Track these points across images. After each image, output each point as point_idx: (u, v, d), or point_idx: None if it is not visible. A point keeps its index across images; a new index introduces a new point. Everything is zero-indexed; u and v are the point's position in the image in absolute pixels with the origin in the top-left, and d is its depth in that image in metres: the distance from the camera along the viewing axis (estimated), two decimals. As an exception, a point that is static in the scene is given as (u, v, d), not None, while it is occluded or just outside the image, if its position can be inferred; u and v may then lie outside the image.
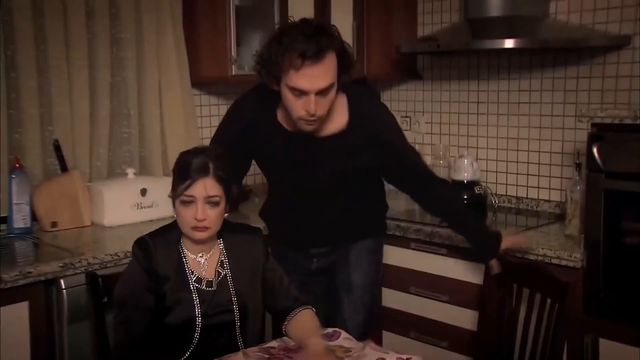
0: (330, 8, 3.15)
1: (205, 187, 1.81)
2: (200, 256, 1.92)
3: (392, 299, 2.79)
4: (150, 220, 2.91)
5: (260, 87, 2.13)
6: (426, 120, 3.34)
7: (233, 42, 3.11)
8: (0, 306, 2.19)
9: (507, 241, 2.26)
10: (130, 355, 1.85)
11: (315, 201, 2.24)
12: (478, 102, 3.14)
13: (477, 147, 3.15)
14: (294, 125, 2.07)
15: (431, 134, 3.32)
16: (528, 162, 3.00)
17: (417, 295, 2.72)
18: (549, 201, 2.95)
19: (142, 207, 2.92)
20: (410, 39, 3.19)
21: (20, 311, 2.24)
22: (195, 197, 1.81)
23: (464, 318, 2.58)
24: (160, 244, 1.90)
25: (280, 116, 2.15)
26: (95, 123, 2.98)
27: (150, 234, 1.95)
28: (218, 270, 1.93)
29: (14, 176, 2.68)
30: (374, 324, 2.49)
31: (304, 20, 1.96)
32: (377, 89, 3.47)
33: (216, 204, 1.84)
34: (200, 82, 3.18)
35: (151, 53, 3.09)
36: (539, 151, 2.96)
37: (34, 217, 2.76)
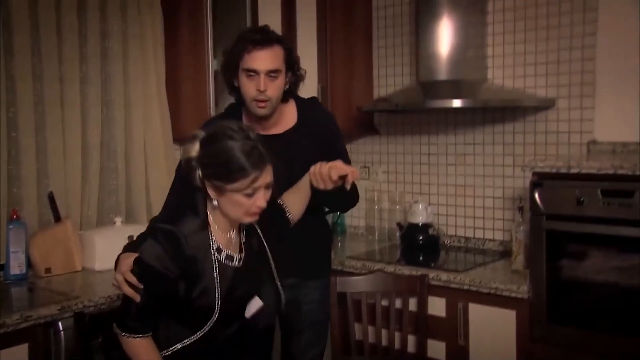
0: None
1: (269, 174, 1.67)
2: (231, 231, 1.76)
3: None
4: (137, 265, 2.86)
5: (217, 116, 2.23)
6: (383, 170, 3.38)
7: (212, 103, 3.14)
8: (2, 349, 2.10)
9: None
10: (149, 318, 1.69)
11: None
12: (429, 154, 3.20)
13: (429, 194, 3.20)
14: (254, 121, 2.11)
15: (388, 182, 3.37)
16: (474, 206, 3.06)
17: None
18: (493, 240, 3.00)
19: (129, 253, 2.87)
20: (368, 99, 3.26)
21: (20, 353, 2.15)
22: (261, 186, 1.65)
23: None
24: (189, 235, 1.67)
25: (245, 120, 2.17)
26: (87, 176, 2.94)
27: (175, 225, 1.68)
28: (242, 242, 1.80)
29: (11, 227, 2.61)
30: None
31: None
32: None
33: (270, 187, 1.70)
34: (181, 138, 3.16)
35: (137, 113, 3.09)
36: (484, 196, 3.03)
37: (29, 264, 2.68)
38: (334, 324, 2.58)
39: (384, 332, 2.60)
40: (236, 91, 2.14)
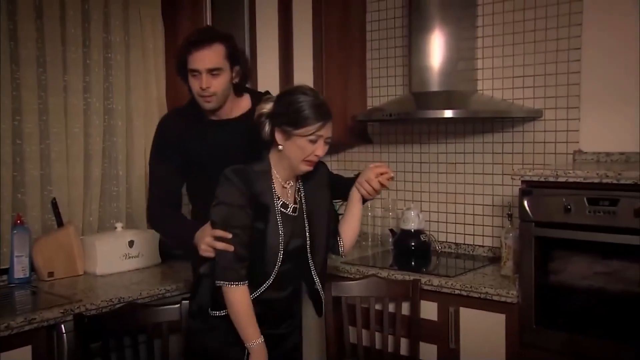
0: (292, 84, 3.22)
1: (330, 129, 1.87)
2: (287, 183, 1.93)
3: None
4: (137, 269, 2.87)
5: (176, 108, 2.32)
6: (376, 178, 3.38)
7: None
8: (6, 351, 2.10)
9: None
10: (245, 265, 1.84)
11: None
12: (421, 163, 3.21)
13: (421, 201, 3.21)
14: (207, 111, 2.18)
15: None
16: (464, 213, 3.07)
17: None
18: (482, 246, 3.01)
19: (129, 257, 2.87)
20: (363, 109, 3.28)
21: (24, 355, 2.15)
22: (323, 136, 1.84)
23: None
24: (258, 176, 1.88)
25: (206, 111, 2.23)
26: (88, 183, 2.94)
27: (243, 165, 1.88)
28: (296, 196, 1.96)
29: (15, 232, 2.62)
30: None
31: None
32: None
33: (328, 144, 1.89)
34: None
35: (138, 121, 3.10)
36: (473, 204, 3.04)
37: (32, 268, 2.68)
38: (329, 327, 2.58)
39: (377, 335, 2.60)
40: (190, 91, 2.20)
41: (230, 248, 1.83)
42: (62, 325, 2.23)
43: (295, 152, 1.85)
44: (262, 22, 3.09)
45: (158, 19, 3.15)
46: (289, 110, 1.83)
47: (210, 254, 1.89)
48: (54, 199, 2.78)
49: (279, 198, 1.90)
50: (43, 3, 2.73)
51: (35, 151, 2.72)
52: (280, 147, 1.87)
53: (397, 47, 3.25)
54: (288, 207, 1.92)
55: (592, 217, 2.17)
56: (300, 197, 1.98)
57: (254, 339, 1.85)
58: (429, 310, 2.56)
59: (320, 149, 1.86)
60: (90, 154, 2.94)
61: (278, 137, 1.87)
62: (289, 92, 1.89)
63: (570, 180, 2.22)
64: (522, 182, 2.33)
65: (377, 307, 2.59)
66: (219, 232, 1.84)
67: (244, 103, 2.25)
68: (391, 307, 2.59)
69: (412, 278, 2.57)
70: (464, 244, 3.08)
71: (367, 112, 3.12)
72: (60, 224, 2.79)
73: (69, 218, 2.85)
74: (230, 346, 1.88)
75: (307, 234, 1.97)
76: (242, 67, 2.19)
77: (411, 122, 3.18)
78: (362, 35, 3.33)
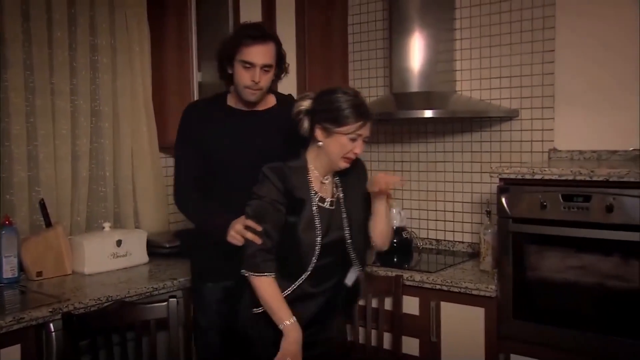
0: (277, 85, 3.23)
1: (369, 128, 1.89)
2: (326, 179, 1.93)
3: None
4: (125, 268, 2.85)
5: (200, 99, 2.29)
6: (359, 177, 3.40)
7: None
8: (-4, 350, 2.09)
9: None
10: (270, 257, 1.84)
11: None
12: (402, 162, 3.24)
13: (402, 199, 3.23)
14: (240, 101, 2.20)
15: (363, 188, 3.39)
16: (445, 211, 3.10)
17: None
18: (462, 242, 3.05)
19: (117, 257, 2.85)
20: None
21: (13, 354, 2.12)
22: (362, 135, 1.86)
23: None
24: (292, 172, 1.89)
25: (230, 100, 2.26)
26: (76, 183, 2.92)
27: (280, 162, 1.90)
28: (333, 191, 1.96)
29: (4, 232, 2.58)
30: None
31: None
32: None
33: (366, 142, 1.91)
34: (166, 147, 3.17)
35: (125, 123, 3.08)
36: (453, 201, 3.07)
37: (21, 268, 2.65)
38: (314, 322, 2.59)
39: (361, 330, 2.61)
40: (227, 77, 2.20)
41: (258, 240, 1.85)
42: (51, 324, 2.20)
43: (335, 149, 1.87)
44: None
45: (144, 21, 3.13)
46: (330, 108, 1.85)
47: (235, 241, 1.91)
48: (42, 199, 2.75)
49: (316, 193, 1.91)
50: (29, 6, 2.70)
51: (23, 152, 2.68)
52: (320, 143, 1.88)
53: (378, 49, 3.27)
54: (325, 201, 1.92)
55: (566, 213, 2.21)
56: (338, 192, 1.98)
57: (285, 320, 1.83)
58: (411, 305, 2.58)
59: (358, 147, 1.87)
60: (77, 155, 2.91)
61: (318, 133, 1.88)
62: (330, 90, 1.91)
63: (546, 177, 2.26)
64: (500, 179, 2.37)
65: (361, 302, 2.61)
66: (250, 223, 1.87)
67: (270, 99, 2.29)
68: (374, 303, 2.60)
69: (394, 274, 2.59)
70: (445, 240, 3.11)
71: (350, 113, 3.13)
72: (48, 224, 2.76)
73: (57, 218, 2.82)
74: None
75: (345, 227, 1.95)
76: (282, 66, 2.23)
77: (392, 122, 3.21)
78: (344, 37, 3.35)
